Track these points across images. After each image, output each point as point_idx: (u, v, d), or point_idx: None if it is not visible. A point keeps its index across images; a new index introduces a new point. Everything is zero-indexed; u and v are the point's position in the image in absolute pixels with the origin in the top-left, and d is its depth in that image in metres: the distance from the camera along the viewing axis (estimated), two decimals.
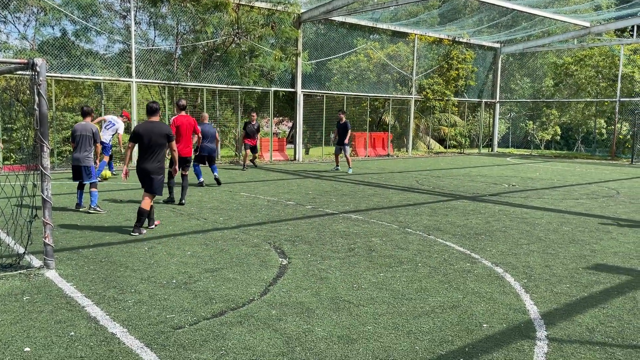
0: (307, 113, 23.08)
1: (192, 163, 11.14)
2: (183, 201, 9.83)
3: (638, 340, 4.08)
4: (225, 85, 19.41)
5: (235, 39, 19.22)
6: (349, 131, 16.37)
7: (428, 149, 28.59)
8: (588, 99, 28.42)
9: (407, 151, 26.10)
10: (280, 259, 6.22)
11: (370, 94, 24.79)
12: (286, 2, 19.43)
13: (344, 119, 16.50)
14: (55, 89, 17.03)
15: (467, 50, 27.14)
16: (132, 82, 17.21)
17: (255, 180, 14.12)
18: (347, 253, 6.55)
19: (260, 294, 4.99)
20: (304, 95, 21.42)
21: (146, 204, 7.35)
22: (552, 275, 5.73)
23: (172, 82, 18.34)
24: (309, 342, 3.94)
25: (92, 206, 8.92)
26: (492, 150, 29.54)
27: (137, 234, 7.29)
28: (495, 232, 7.90)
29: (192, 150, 10.67)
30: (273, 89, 20.56)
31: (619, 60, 25.71)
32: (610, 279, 5.62)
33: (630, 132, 26.28)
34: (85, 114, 9.10)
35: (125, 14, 17.94)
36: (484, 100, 29.13)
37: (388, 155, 24.69)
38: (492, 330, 4.23)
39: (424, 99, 26.07)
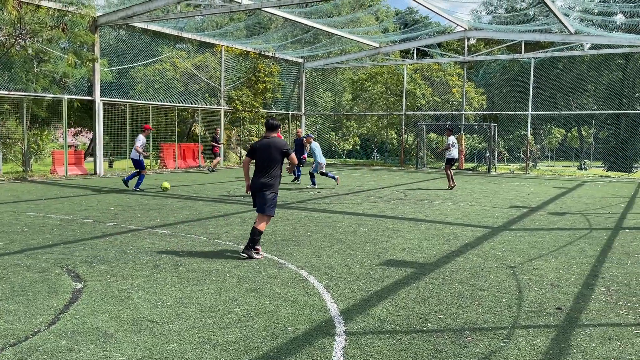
0: (109, 123, 21.53)
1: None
2: None
3: (420, 325, 4.59)
4: (6, 92, 17.09)
5: (19, 40, 17.07)
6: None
7: (240, 159, 28.83)
8: (380, 112, 31.61)
9: (220, 163, 25.93)
10: (74, 283, 5.63)
11: (177, 104, 24.13)
12: (79, 3, 17.89)
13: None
14: None
15: (273, 63, 28.12)
16: None
17: (46, 198, 12.65)
18: (152, 270, 6.21)
19: (47, 324, 4.44)
20: (104, 104, 19.93)
21: (261, 224, 6.87)
22: (350, 274, 6.17)
23: None
24: None
25: None
26: None
27: (245, 255, 6.79)
28: (301, 237, 8.25)
29: None
30: (66, 96, 18.73)
31: (403, 78, 29.11)
32: (399, 273, 6.26)
33: (415, 142, 29.91)
34: None
35: None
36: (291, 113, 30.45)
37: (199, 166, 24.28)
38: (296, 332, 4.37)
39: (234, 110, 26.27)
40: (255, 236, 6.83)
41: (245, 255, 6.82)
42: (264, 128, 26.64)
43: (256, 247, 6.95)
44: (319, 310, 4.92)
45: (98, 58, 19.07)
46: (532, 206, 12.35)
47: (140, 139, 14.17)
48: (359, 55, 28.84)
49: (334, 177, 15.78)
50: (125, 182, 14.68)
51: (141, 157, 14.17)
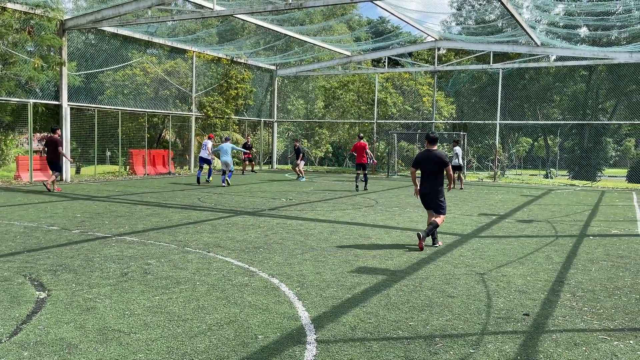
0: (76, 129, 21.07)
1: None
2: (367, 187, 17.66)
3: (391, 333, 4.60)
4: None
5: None
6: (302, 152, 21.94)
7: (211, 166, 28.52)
8: (352, 120, 31.79)
9: (189, 169, 25.68)
10: (37, 293, 5.47)
11: (148, 110, 23.79)
12: (46, 6, 17.50)
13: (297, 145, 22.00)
14: None
15: (245, 70, 28.03)
16: None
17: (9, 204, 12.28)
18: (119, 279, 6.08)
19: (9, 335, 4.29)
20: (71, 109, 19.51)
21: (440, 219, 8.19)
22: (322, 281, 6.16)
23: None
24: None
25: None
26: (271, 167, 30.88)
27: (437, 245, 8.26)
28: (273, 245, 8.21)
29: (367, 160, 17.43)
30: (32, 101, 18.27)
31: (375, 87, 29.36)
32: (370, 280, 6.27)
33: (386, 150, 30.17)
34: None
35: None
36: (262, 120, 30.36)
37: (169, 173, 23.95)
38: (267, 341, 4.34)
39: (205, 117, 26.05)
40: (435, 228, 8.13)
41: (437, 245, 8.26)
42: (235, 135, 26.49)
43: (433, 238, 8.36)
44: (290, 318, 4.89)
45: (66, 62, 18.68)
46: (501, 214, 12.58)
47: (209, 143, 18.78)
48: (331, 63, 28.99)
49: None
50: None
51: (209, 157, 18.89)
